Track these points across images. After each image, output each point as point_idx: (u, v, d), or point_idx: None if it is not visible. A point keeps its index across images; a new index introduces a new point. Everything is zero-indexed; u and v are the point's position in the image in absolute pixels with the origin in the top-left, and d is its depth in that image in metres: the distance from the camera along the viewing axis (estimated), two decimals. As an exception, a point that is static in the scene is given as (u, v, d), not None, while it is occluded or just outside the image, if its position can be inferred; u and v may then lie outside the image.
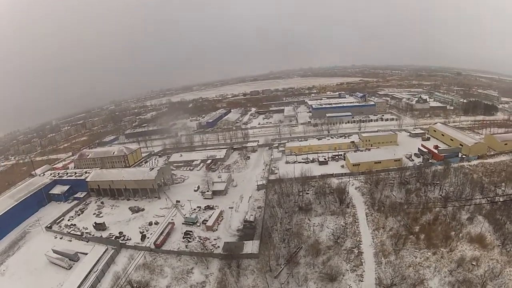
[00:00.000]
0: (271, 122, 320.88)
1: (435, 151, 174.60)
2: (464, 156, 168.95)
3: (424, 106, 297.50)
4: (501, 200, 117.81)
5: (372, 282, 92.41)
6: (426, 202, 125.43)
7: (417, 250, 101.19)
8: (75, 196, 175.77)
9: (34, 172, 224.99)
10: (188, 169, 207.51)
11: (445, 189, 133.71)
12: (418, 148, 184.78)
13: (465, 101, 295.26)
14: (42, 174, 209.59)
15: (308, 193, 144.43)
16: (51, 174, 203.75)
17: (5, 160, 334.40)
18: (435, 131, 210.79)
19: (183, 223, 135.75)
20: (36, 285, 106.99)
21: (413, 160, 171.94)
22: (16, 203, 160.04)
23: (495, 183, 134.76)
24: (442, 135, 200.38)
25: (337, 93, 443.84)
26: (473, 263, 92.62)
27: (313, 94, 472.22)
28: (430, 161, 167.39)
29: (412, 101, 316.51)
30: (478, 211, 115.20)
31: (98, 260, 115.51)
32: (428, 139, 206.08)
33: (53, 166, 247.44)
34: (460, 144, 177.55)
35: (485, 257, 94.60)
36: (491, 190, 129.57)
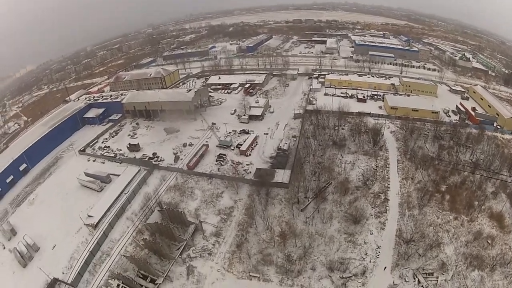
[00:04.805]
0: (312, 52, 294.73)
1: (473, 113, 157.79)
2: (498, 126, 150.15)
3: (467, 65, 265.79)
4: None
5: (392, 233, 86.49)
6: (456, 163, 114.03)
7: (440, 211, 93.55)
8: (110, 118, 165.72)
9: (68, 98, 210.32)
10: (225, 92, 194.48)
11: (476, 154, 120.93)
12: (456, 106, 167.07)
13: (507, 71, 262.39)
14: (77, 99, 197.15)
15: (343, 129, 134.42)
16: (86, 98, 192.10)
17: (37, 90, 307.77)
18: (474, 92, 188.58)
19: (217, 146, 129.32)
20: (64, 209, 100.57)
21: (450, 117, 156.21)
22: (49, 130, 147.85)
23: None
24: (481, 98, 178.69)
25: (381, 32, 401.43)
26: (488, 241, 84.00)
27: (357, 30, 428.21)
28: (466, 121, 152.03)
29: (455, 56, 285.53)
30: (502, 188, 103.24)
31: (129, 181, 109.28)
32: (467, 98, 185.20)
33: (88, 91, 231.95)
34: (497, 114, 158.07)
35: (500, 239, 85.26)
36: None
